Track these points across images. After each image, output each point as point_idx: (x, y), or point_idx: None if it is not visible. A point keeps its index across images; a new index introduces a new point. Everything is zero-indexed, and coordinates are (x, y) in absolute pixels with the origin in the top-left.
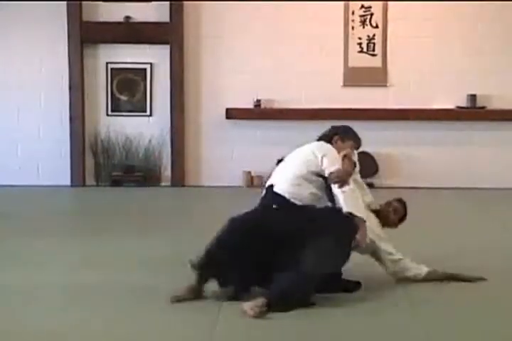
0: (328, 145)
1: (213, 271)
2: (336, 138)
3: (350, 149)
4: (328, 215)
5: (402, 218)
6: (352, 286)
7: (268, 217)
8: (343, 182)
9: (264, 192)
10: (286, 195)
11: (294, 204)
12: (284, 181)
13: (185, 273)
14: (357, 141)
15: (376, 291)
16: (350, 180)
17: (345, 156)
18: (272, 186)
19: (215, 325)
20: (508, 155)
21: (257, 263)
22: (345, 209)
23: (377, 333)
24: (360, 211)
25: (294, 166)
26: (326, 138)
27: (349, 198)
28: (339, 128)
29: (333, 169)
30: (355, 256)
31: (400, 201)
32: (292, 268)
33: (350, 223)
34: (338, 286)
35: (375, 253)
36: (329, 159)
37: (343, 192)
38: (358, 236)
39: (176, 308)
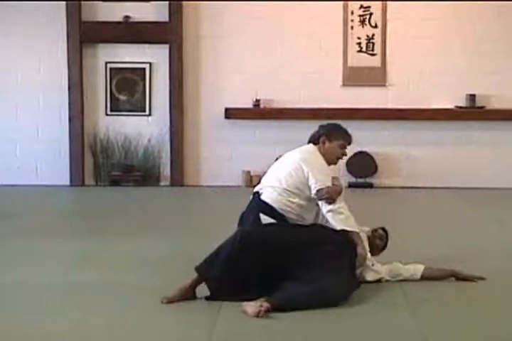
0: (316, 155)
1: (213, 281)
2: (322, 138)
3: (339, 148)
4: (338, 238)
5: (385, 246)
6: None
7: (278, 233)
8: (331, 199)
9: (251, 197)
10: (275, 205)
11: (281, 215)
12: (272, 190)
13: (184, 273)
14: (346, 138)
15: (374, 290)
16: (341, 198)
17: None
18: (259, 193)
19: (214, 324)
20: (507, 155)
21: (259, 277)
22: (337, 228)
23: (375, 332)
24: (352, 226)
25: (282, 177)
26: (314, 139)
27: (338, 215)
28: (325, 127)
29: (319, 186)
30: None
31: (384, 229)
32: (304, 283)
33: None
34: None
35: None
36: (316, 174)
37: (332, 210)
38: (359, 250)
39: (175, 308)
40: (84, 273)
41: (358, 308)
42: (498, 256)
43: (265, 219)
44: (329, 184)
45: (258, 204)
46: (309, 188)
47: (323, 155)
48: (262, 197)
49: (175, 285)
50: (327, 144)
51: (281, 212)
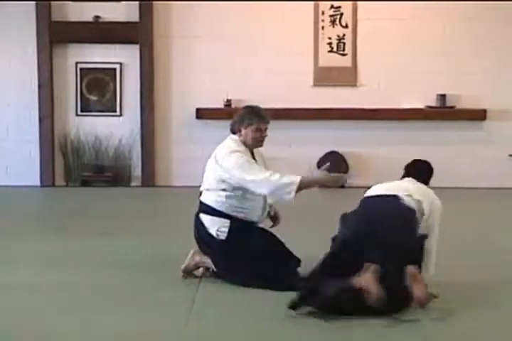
0: (232, 147)
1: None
2: (237, 127)
3: (255, 131)
4: None
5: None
6: None
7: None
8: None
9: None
10: (213, 205)
11: (220, 212)
12: (205, 191)
13: (150, 273)
14: (258, 121)
15: None
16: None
17: None
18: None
19: (187, 322)
20: (477, 155)
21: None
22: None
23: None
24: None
25: (205, 176)
26: (233, 128)
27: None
28: (237, 114)
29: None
30: None
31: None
32: None
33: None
34: None
35: None
36: (230, 169)
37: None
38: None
39: (143, 306)
40: (53, 273)
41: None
42: (466, 256)
43: (205, 218)
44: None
45: (199, 205)
46: (230, 180)
47: (244, 142)
48: (201, 198)
49: (144, 284)
50: (243, 131)
51: (219, 209)
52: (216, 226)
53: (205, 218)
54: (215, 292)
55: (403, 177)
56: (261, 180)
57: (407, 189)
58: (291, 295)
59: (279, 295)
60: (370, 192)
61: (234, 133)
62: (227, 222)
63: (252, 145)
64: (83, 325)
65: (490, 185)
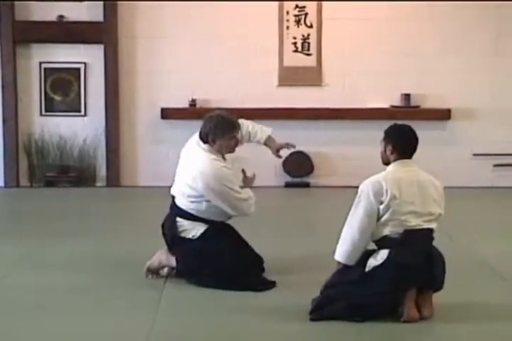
0: (208, 163)
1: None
2: (211, 138)
3: (230, 139)
4: None
5: None
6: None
7: None
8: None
9: (171, 201)
10: (193, 212)
11: (201, 218)
12: (181, 195)
13: (116, 274)
14: (233, 129)
15: None
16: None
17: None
18: (174, 197)
19: (153, 323)
20: (442, 154)
21: None
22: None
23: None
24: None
25: (186, 183)
26: (203, 137)
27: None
28: (210, 127)
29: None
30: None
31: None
32: None
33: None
34: None
35: None
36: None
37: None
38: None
39: (106, 308)
40: (17, 274)
41: None
42: None
43: (180, 221)
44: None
45: (174, 208)
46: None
47: (218, 151)
48: (177, 203)
49: (109, 285)
50: (218, 142)
51: (197, 214)
52: (195, 229)
53: (184, 222)
54: (181, 292)
55: (399, 159)
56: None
57: (434, 198)
58: (257, 295)
59: (246, 295)
60: (404, 198)
61: (205, 142)
62: (206, 226)
63: (226, 152)
64: (42, 329)
65: (454, 185)
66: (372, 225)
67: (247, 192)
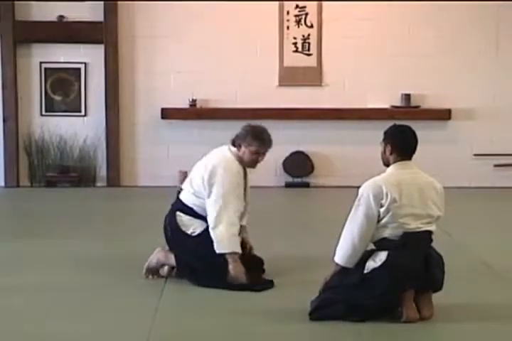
0: (228, 163)
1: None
2: (238, 142)
3: (253, 153)
4: None
5: None
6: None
7: None
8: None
9: (176, 196)
10: (194, 207)
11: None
12: (189, 186)
13: (115, 273)
14: (259, 145)
15: None
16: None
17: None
18: (181, 190)
19: (152, 324)
20: (442, 154)
21: None
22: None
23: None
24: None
25: (194, 181)
26: (234, 141)
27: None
28: (243, 130)
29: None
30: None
31: None
32: None
33: None
34: None
35: None
36: (216, 188)
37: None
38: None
39: (106, 308)
40: (18, 274)
41: None
42: None
43: (180, 215)
44: (230, 198)
45: (177, 202)
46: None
47: (240, 158)
48: (181, 197)
49: (110, 284)
50: (242, 149)
51: (196, 210)
52: (194, 226)
53: (184, 217)
54: (181, 292)
55: (399, 160)
56: (218, 222)
57: (434, 200)
58: (257, 295)
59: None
60: (404, 201)
61: (233, 145)
62: (205, 224)
63: (246, 165)
64: (42, 329)
65: (454, 185)
66: (372, 228)
67: (235, 226)
